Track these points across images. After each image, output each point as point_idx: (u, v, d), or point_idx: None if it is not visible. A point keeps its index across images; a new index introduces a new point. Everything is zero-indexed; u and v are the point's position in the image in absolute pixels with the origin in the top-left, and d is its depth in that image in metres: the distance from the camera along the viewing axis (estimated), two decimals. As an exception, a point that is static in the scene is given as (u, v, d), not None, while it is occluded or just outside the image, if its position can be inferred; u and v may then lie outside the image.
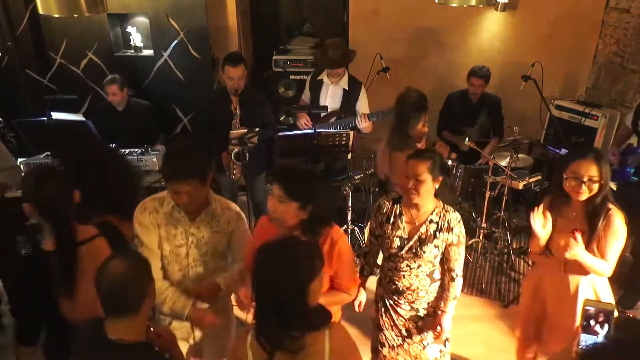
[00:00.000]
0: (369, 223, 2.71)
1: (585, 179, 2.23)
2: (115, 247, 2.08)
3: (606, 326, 1.59)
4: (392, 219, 2.48)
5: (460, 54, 4.87)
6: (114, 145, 3.96)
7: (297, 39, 5.17)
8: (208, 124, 3.91)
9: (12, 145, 3.80)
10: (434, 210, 2.42)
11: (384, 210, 2.51)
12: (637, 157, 3.54)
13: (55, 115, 3.81)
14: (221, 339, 2.51)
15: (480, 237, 4.20)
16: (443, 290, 2.52)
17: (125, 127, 4.19)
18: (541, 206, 2.41)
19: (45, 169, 2.30)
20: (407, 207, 2.46)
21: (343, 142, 3.72)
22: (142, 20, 4.73)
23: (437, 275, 2.50)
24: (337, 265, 2.16)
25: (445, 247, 2.43)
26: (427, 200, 2.39)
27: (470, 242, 4.36)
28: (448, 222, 2.41)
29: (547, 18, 4.62)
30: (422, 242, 2.41)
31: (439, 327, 2.51)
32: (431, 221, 2.41)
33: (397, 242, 2.44)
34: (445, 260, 2.47)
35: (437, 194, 2.43)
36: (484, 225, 4.15)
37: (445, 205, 2.46)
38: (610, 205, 2.29)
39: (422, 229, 2.41)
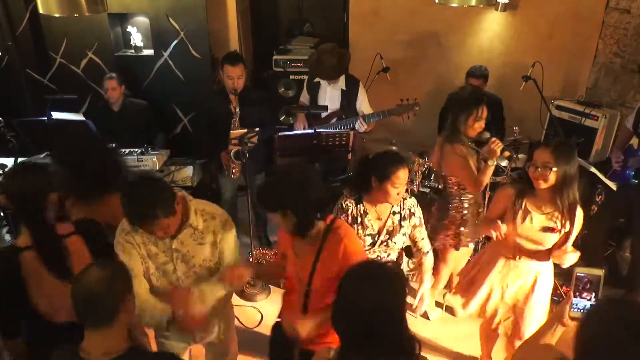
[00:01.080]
0: None
1: (539, 165, 2.33)
2: (94, 246, 2.07)
3: (595, 290, 1.69)
4: (359, 220, 2.52)
5: (461, 54, 4.87)
6: (113, 145, 3.97)
7: (297, 39, 5.17)
8: (207, 124, 3.92)
9: (12, 145, 3.80)
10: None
11: (350, 212, 2.52)
12: (638, 160, 3.54)
13: (56, 115, 3.81)
14: (224, 342, 2.50)
15: (480, 237, 4.19)
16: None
17: (122, 127, 4.19)
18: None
19: (26, 164, 2.27)
20: (370, 205, 2.52)
21: (343, 142, 3.72)
22: (142, 20, 4.73)
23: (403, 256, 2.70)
24: (345, 263, 2.05)
25: (411, 231, 2.61)
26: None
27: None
28: (409, 209, 2.55)
29: (547, 18, 4.62)
30: (390, 234, 2.53)
31: (418, 299, 2.66)
32: (394, 212, 2.53)
33: (368, 241, 2.52)
34: (412, 242, 2.68)
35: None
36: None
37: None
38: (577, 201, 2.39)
39: (389, 223, 2.52)
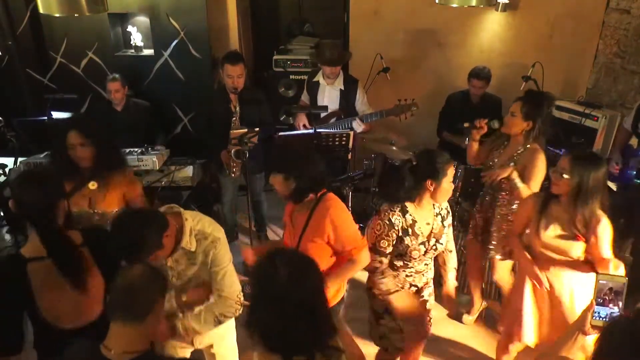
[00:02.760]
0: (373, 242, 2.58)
1: (557, 170, 2.33)
2: (100, 259, 2.06)
3: (618, 298, 1.64)
4: (409, 231, 2.42)
5: (461, 54, 4.87)
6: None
7: (297, 39, 5.17)
8: (207, 123, 3.92)
9: (12, 144, 3.80)
10: (433, 205, 2.49)
11: (401, 225, 2.41)
12: (638, 160, 3.54)
13: (56, 114, 3.81)
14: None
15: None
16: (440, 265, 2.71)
17: (124, 127, 4.19)
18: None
19: (35, 173, 2.24)
20: (417, 212, 2.44)
21: (343, 142, 3.73)
22: (142, 19, 4.73)
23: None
24: (333, 232, 2.31)
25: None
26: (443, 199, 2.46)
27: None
28: (445, 208, 2.54)
29: (547, 18, 4.62)
30: (437, 237, 2.50)
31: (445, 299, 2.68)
32: (437, 215, 2.50)
33: (422, 249, 2.46)
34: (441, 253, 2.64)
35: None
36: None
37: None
38: (600, 214, 2.32)
39: (435, 225, 2.48)
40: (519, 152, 2.95)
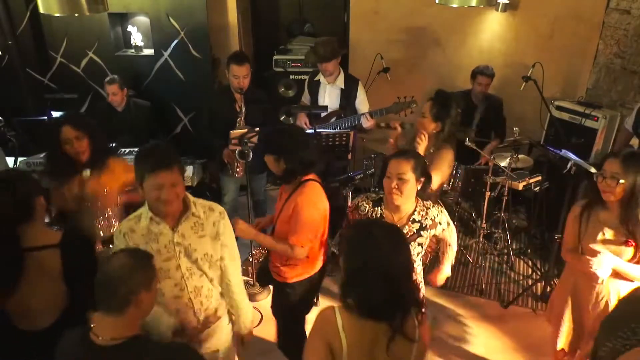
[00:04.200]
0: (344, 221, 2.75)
1: (607, 175, 2.23)
2: (69, 265, 2.09)
3: None
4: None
5: (461, 54, 4.87)
6: (113, 145, 3.97)
7: (298, 39, 5.17)
8: (209, 123, 3.92)
9: (12, 144, 3.80)
10: (414, 210, 2.40)
11: (364, 211, 2.48)
12: None
13: (56, 114, 3.81)
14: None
15: (480, 237, 4.20)
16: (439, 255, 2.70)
17: (124, 127, 4.19)
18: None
19: (9, 173, 2.31)
20: (388, 210, 2.43)
21: (343, 142, 3.72)
22: (142, 19, 4.73)
23: (418, 269, 2.54)
24: (293, 215, 2.44)
25: (438, 238, 2.55)
26: (408, 200, 2.37)
27: (470, 242, 4.37)
28: (432, 219, 2.43)
29: (547, 19, 4.62)
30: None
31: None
32: (413, 221, 2.41)
33: None
34: (442, 242, 2.64)
35: (418, 194, 2.41)
36: (483, 225, 4.15)
37: (425, 202, 2.45)
38: None
39: (405, 230, 2.38)
40: (430, 152, 2.96)
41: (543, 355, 3.06)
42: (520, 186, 3.97)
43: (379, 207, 2.44)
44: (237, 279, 2.30)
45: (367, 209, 2.47)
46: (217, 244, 2.19)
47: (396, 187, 2.29)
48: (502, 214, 4.20)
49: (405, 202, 2.36)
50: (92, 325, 1.63)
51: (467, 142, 3.91)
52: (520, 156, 4.03)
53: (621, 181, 2.20)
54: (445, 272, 2.72)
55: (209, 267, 2.19)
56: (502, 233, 4.31)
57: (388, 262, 1.56)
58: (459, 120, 2.92)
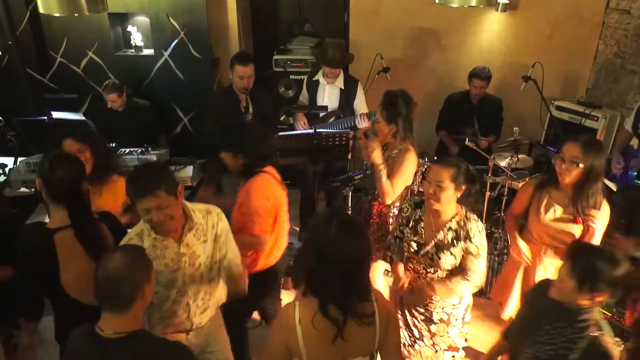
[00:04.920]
0: (392, 222, 2.82)
1: (566, 158, 2.33)
2: (87, 239, 2.14)
3: None
4: (411, 223, 2.45)
5: (461, 54, 4.87)
6: (113, 145, 3.96)
7: (298, 38, 5.17)
8: (212, 124, 3.91)
9: (12, 144, 3.80)
10: (453, 217, 2.36)
11: (405, 214, 2.50)
12: (639, 161, 3.54)
13: (56, 114, 3.81)
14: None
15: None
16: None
17: (125, 127, 4.19)
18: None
19: (62, 155, 2.37)
20: (427, 212, 2.42)
21: (343, 142, 3.72)
22: (142, 19, 4.73)
23: None
24: (245, 204, 2.54)
25: (463, 257, 2.35)
26: (448, 207, 2.33)
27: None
28: (467, 231, 2.34)
29: (547, 19, 4.62)
30: (438, 248, 2.37)
31: (466, 294, 2.51)
32: (450, 228, 2.35)
33: (413, 247, 2.43)
34: (462, 270, 2.39)
35: (461, 201, 2.37)
36: (484, 225, 4.14)
37: (468, 214, 2.39)
38: (602, 199, 2.40)
39: (440, 236, 2.36)
40: (393, 154, 2.97)
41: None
42: (520, 186, 3.97)
43: (420, 210, 2.45)
44: (238, 261, 2.34)
45: (408, 210, 2.48)
46: (217, 244, 2.21)
47: (433, 192, 2.29)
48: (502, 214, 4.20)
49: (445, 208, 2.33)
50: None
51: (466, 142, 3.92)
52: (520, 156, 4.03)
53: (580, 165, 2.31)
54: (432, 285, 2.43)
55: (209, 269, 2.20)
56: (502, 233, 4.30)
57: (341, 254, 1.59)
58: (412, 118, 2.93)
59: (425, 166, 3.99)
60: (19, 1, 4.52)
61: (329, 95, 4.09)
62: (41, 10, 2.52)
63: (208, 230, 2.17)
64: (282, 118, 4.81)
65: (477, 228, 2.34)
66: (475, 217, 2.40)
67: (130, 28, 4.72)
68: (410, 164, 2.88)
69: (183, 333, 2.25)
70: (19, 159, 3.73)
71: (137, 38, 4.72)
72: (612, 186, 3.58)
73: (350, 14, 4.95)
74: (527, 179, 2.72)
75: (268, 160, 2.64)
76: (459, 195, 2.32)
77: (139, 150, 3.89)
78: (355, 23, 4.94)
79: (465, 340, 2.62)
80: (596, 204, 2.39)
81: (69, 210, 2.13)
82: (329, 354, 1.66)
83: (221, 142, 2.58)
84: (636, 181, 3.56)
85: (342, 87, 4.05)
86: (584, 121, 4.34)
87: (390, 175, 2.86)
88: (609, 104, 4.50)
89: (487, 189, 3.98)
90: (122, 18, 4.75)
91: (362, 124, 3.96)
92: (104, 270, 1.62)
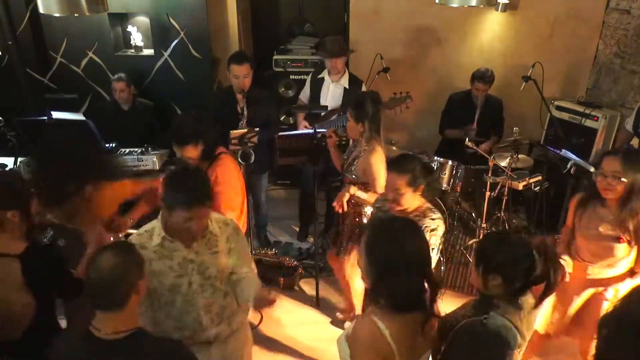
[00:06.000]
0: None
1: (608, 174, 2.25)
2: (37, 270, 2.07)
3: None
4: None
5: (461, 54, 4.87)
6: (114, 145, 3.96)
7: (298, 38, 5.17)
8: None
9: (12, 144, 3.80)
10: (413, 211, 2.39)
11: (377, 205, 2.64)
12: None
13: (56, 114, 3.81)
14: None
15: (480, 237, 4.20)
16: None
17: (129, 127, 4.21)
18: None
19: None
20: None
21: (343, 143, 3.72)
22: (142, 19, 4.73)
23: None
24: (218, 187, 2.61)
25: None
26: (410, 204, 2.38)
27: (470, 242, 4.36)
28: (425, 226, 2.35)
29: (547, 18, 4.62)
30: None
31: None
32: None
33: None
34: None
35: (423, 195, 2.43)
36: (484, 225, 4.15)
37: (427, 210, 2.41)
38: None
39: None
40: (361, 154, 3.01)
41: (544, 354, 3.06)
42: (520, 186, 3.97)
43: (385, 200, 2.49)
44: (249, 269, 2.29)
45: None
46: (230, 258, 2.16)
47: (393, 199, 2.34)
48: (502, 214, 4.20)
49: (407, 206, 2.39)
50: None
51: (466, 142, 3.91)
52: (520, 156, 4.02)
53: (622, 179, 2.22)
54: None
55: (222, 282, 2.15)
56: (502, 233, 4.30)
57: (410, 252, 1.62)
58: (379, 118, 2.97)
59: None
60: (19, 1, 4.52)
61: (332, 94, 4.08)
62: (41, 10, 2.52)
63: (221, 242, 2.13)
64: (282, 118, 4.81)
65: (431, 226, 2.37)
66: (434, 213, 2.42)
67: (130, 28, 4.72)
68: (379, 164, 2.93)
69: (205, 344, 2.20)
70: (19, 159, 3.73)
71: (137, 38, 4.72)
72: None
73: (350, 14, 4.94)
74: (575, 196, 2.61)
75: (220, 140, 2.82)
76: (419, 194, 2.37)
77: (139, 151, 3.89)
78: (355, 23, 4.94)
79: None
80: None
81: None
82: (414, 354, 1.71)
83: (183, 139, 2.65)
84: None
85: (347, 87, 4.05)
86: (584, 121, 4.34)
87: (369, 183, 2.95)
88: (609, 104, 4.50)
89: (487, 189, 3.98)
90: (122, 18, 4.74)
91: None
92: (97, 270, 1.60)
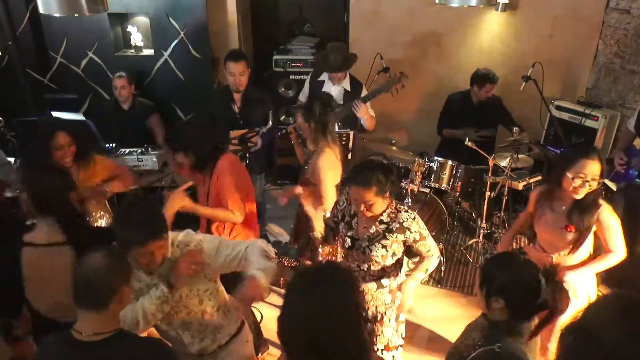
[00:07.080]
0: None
1: (589, 179, 2.28)
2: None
3: None
4: (346, 218, 2.51)
5: (461, 54, 4.87)
6: (113, 145, 3.97)
7: (298, 38, 5.17)
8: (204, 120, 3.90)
9: (12, 144, 3.80)
10: (384, 211, 2.39)
11: (340, 207, 2.59)
12: None
13: (56, 114, 3.82)
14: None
15: (480, 237, 4.20)
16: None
17: (130, 126, 4.21)
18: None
19: (44, 167, 2.44)
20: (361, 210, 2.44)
21: (343, 142, 3.72)
22: (142, 19, 4.73)
23: (385, 282, 2.48)
24: (219, 187, 2.68)
25: (406, 247, 2.45)
26: (379, 208, 2.38)
27: (470, 242, 4.36)
28: (400, 222, 2.37)
29: (547, 18, 4.62)
30: (370, 241, 2.41)
31: (399, 293, 2.53)
32: (381, 222, 2.39)
33: (348, 242, 2.49)
34: (419, 255, 2.55)
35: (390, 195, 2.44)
36: (483, 225, 4.15)
37: (398, 205, 2.43)
38: (601, 201, 2.38)
39: (372, 229, 2.40)
40: (313, 156, 3.04)
41: (544, 353, 3.06)
42: (520, 186, 3.97)
43: (355, 205, 2.45)
44: (252, 257, 2.07)
45: (344, 204, 2.56)
46: (199, 276, 2.08)
47: (364, 209, 2.34)
48: (502, 214, 4.20)
49: (378, 209, 2.39)
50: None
51: (466, 142, 3.91)
52: (520, 156, 4.02)
53: (601, 180, 2.30)
54: (409, 283, 2.52)
55: (200, 302, 2.12)
56: (502, 233, 4.30)
57: (312, 327, 1.32)
58: (326, 121, 3.00)
59: (425, 166, 3.99)
60: (19, 1, 4.52)
61: (333, 95, 4.07)
62: (41, 10, 2.52)
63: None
64: (282, 118, 4.81)
65: (410, 216, 2.39)
66: (404, 206, 2.46)
67: (130, 28, 4.72)
68: (326, 165, 2.96)
69: (197, 356, 2.24)
70: (19, 159, 3.73)
71: (137, 38, 4.72)
72: (612, 186, 3.59)
73: (350, 14, 4.95)
74: (535, 189, 2.65)
75: (222, 152, 2.75)
76: (386, 196, 2.37)
77: (139, 151, 3.89)
78: (355, 23, 4.94)
79: (402, 338, 2.63)
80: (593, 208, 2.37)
81: (63, 225, 2.14)
82: None
83: (174, 146, 2.65)
84: (637, 180, 3.56)
85: (348, 89, 4.02)
86: (583, 121, 4.34)
87: (317, 184, 2.98)
88: (609, 104, 4.50)
89: (487, 189, 3.98)
90: (122, 18, 4.75)
91: (359, 111, 3.88)
92: (82, 269, 1.63)
